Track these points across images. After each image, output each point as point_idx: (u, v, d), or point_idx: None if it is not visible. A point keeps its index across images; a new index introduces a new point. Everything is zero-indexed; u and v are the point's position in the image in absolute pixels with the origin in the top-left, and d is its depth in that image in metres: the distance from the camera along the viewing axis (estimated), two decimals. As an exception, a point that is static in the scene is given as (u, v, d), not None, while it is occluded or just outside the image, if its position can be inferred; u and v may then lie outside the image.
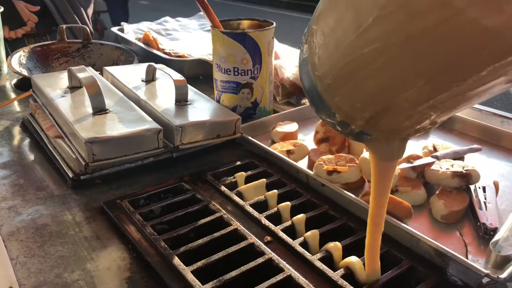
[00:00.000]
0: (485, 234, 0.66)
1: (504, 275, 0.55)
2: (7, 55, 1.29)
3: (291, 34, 3.06)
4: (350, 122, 0.40)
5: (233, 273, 0.57)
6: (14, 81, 1.27)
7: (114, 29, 1.59)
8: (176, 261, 0.58)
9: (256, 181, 0.77)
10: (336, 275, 0.57)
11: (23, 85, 1.23)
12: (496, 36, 0.26)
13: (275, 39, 1.02)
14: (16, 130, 0.99)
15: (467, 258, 0.61)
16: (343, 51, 0.35)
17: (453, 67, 0.30)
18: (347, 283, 0.56)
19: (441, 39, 0.28)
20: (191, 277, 0.56)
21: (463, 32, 0.27)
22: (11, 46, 1.49)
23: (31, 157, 0.87)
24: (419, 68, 0.31)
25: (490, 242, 0.61)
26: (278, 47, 1.33)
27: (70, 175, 0.77)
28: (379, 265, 0.56)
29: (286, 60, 1.22)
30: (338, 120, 0.41)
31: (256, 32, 0.93)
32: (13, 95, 1.19)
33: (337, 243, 0.62)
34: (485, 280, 0.55)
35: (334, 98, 0.40)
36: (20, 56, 1.27)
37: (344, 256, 0.62)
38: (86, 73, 0.85)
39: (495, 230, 0.65)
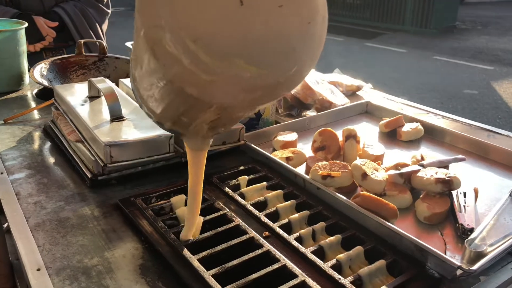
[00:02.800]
0: (463, 234, 0.72)
1: (475, 267, 0.62)
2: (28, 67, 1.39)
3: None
4: (163, 123, 0.59)
5: (235, 262, 0.64)
6: (35, 91, 1.36)
7: (128, 44, 1.68)
8: (184, 251, 0.66)
9: (257, 184, 0.85)
10: (326, 266, 0.64)
11: (43, 94, 1.32)
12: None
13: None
14: (38, 135, 1.07)
15: (445, 254, 0.68)
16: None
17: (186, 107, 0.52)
18: (335, 272, 0.63)
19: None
20: (197, 265, 0.63)
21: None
22: (30, 59, 1.59)
23: (53, 159, 0.96)
24: (176, 104, 0.52)
25: (466, 240, 0.67)
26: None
27: (89, 175, 0.85)
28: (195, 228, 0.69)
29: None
30: (155, 121, 0.60)
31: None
32: (33, 104, 1.28)
33: (330, 238, 0.69)
34: (458, 272, 0.62)
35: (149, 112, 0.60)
36: (41, 68, 1.36)
37: (334, 251, 0.69)
38: (105, 83, 0.94)
39: (471, 230, 0.72)
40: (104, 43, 1.53)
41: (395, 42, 6.98)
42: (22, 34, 1.34)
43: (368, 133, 1.14)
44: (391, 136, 1.11)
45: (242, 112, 0.56)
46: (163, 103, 0.53)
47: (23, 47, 1.36)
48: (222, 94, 0.46)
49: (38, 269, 0.63)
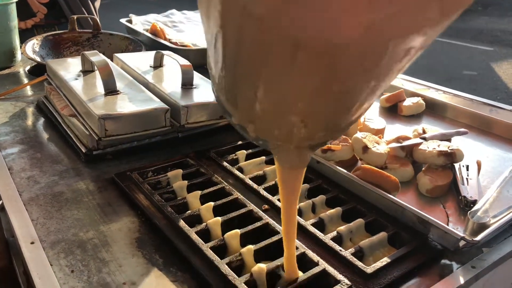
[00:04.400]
0: (466, 206, 0.71)
1: (478, 238, 0.60)
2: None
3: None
4: (245, 126, 0.43)
5: (233, 233, 0.62)
6: (28, 67, 1.33)
7: (123, 20, 1.64)
8: (182, 223, 0.64)
9: (256, 158, 0.83)
10: (326, 238, 0.63)
11: (36, 71, 1.29)
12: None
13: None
14: (31, 111, 1.05)
15: (447, 226, 0.67)
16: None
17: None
18: (336, 244, 0.62)
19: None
20: (195, 237, 0.62)
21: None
22: (21, 36, 1.55)
23: (46, 134, 0.93)
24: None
25: (469, 212, 0.66)
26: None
27: (84, 150, 0.83)
28: (296, 266, 0.55)
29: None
30: (236, 123, 0.44)
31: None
32: (26, 80, 1.25)
33: (330, 211, 0.68)
34: (461, 243, 0.61)
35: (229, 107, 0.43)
36: (33, 44, 1.33)
37: (334, 223, 0.68)
38: (98, 57, 0.91)
39: (474, 202, 0.70)
40: (98, 19, 1.50)
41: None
42: (13, 8, 1.30)
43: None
44: (392, 111, 1.09)
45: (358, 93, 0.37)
46: (233, 69, 0.38)
47: (14, 22, 1.32)
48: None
49: (32, 242, 0.61)
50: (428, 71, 4.56)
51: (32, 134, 0.93)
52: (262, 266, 0.56)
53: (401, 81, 1.27)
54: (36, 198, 0.71)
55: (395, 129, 1.00)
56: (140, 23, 1.61)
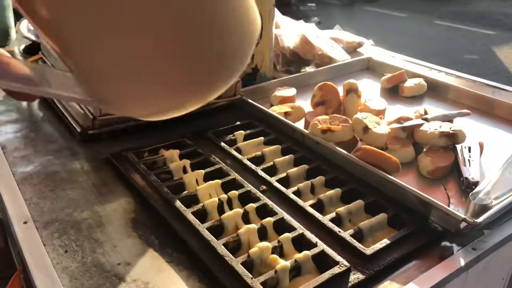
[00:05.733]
0: (467, 187, 0.70)
1: (480, 219, 0.59)
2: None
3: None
4: None
5: (231, 213, 0.61)
6: (22, 46, 1.31)
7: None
8: (178, 204, 0.63)
9: (254, 139, 0.81)
10: (325, 219, 0.62)
11: (31, 50, 1.26)
12: None
13: (276, 10, 1.05)
14: (26, 91, 1.03)
15: (449, 207, 0.66)
16: None
17: None
18: (334, 225, 0.60)
19: None
20: (191, 217, 0.60)
21: None
22: (16, 15, 1.52)
23: (41, 113, 0.92)
24: None
25: (470, 193, 0.65)
26: (279, 18, 1.36)
27: (78, 129, 0.81)
28: None
29: (286, 29, 1.25)
30: None
31: (258, -2, 0.96)
32: (21, 60, 1.22)
33: (329, 191, 0.66)
34: (462, 225, 0.60)
35: None
36: (28, 23, 1.30)
37: (334, 205, 0.67)
38: (93, 34, 0.89)
39: (476, 184, 0.69)
40: None
41: (396, 7, 6.82)
42: (7, -14, 1.27)
43: (369, 89, 1.10)
44: (393, 92, 1.08)
45: None
46: None
47: (8, 0, 1.29)
48: None
49: (25, 222, 0.60)
50: (429, 55, 4.51)
51: (26, 113, 0.91)
52: (260, 246, 0.54)
53: (402, 62, 1.25)
54: (29, 178, 0.70)
55: (396, 110, 0.98)
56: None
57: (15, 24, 1.31)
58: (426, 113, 0.87)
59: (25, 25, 1.27)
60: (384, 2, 7.09)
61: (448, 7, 6.75)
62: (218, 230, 0.60)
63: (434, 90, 1.07)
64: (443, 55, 4.63)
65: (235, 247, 0.57)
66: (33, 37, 1.23)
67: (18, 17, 1.37)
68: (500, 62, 4.55)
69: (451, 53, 4.72)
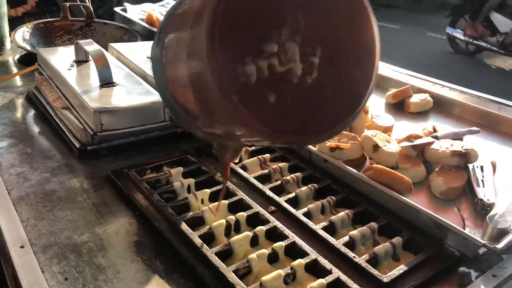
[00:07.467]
0: (482, 209, 0.68)
1: (500, 245, 0.57)
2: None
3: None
4: None
5: (240, 237, 0.58)
6: (17, 56, 1.27)
7: (118, 9, 1.59)
8: (184, 226, 0.60)
9: (260, 156, 0.79)
10: (339, 244, 0.59)
11: (26, 60, 1.23)
12: None
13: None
14: (21, 102, 0.99)
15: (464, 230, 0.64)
16: None
17: None
18: (349, 250, 0.58)
19: None
20: (198, 241, 0.57)
21: None
22: (11, 25, 1.48)
23: (37, 128, 0.88)
24: None
25: (488, 216, 0.63)
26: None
27: (77, 145, 0.78)
28: None
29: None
30: None
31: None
32: (15, 70, 1.19)
33: (341, 213, 0.64)
34: (482, 250, 0.58)
35: None
36: (23, 32, 1.27)
37: (346, 227, 0.64)
38: (94, 46, 0.86)
39: (491, 206, 0.67)
40: (91, 8, 1.44)
41: (388, 18, 6.87)
42: (2, -6, 1.24)
43: (374, 104, 1.08)
44: (398, 107, 1.06)
45: None
46: None
47: (4, 8, 1.26)
48: None
49: (22, 246, 0.57)
50: (423, 67, 4.53)
51: (22, 127, 0.88)
52: (273, 275, 0.52)
53: (405, 76, 1.24)
54: (26, 197, 0.67)
55: (403, 126, 0.96)
56: (135, 12, 1.55)
57: (9, 33, 1.28)
58: (435, 130, 0.85)
59: (20, 35, 1.24)
60: (377, 14, 7.12)
61: (441, 19, 6.81)
62: (226, 254, 0.57)
63: (439, 106, 1.06)
64: (435, 67, 4.65)
65: (246, 273, 0.54)
66: (28, 47, 1.20)
67: (13, 26, 1.33)
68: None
69: (444, 66, 4.74)
